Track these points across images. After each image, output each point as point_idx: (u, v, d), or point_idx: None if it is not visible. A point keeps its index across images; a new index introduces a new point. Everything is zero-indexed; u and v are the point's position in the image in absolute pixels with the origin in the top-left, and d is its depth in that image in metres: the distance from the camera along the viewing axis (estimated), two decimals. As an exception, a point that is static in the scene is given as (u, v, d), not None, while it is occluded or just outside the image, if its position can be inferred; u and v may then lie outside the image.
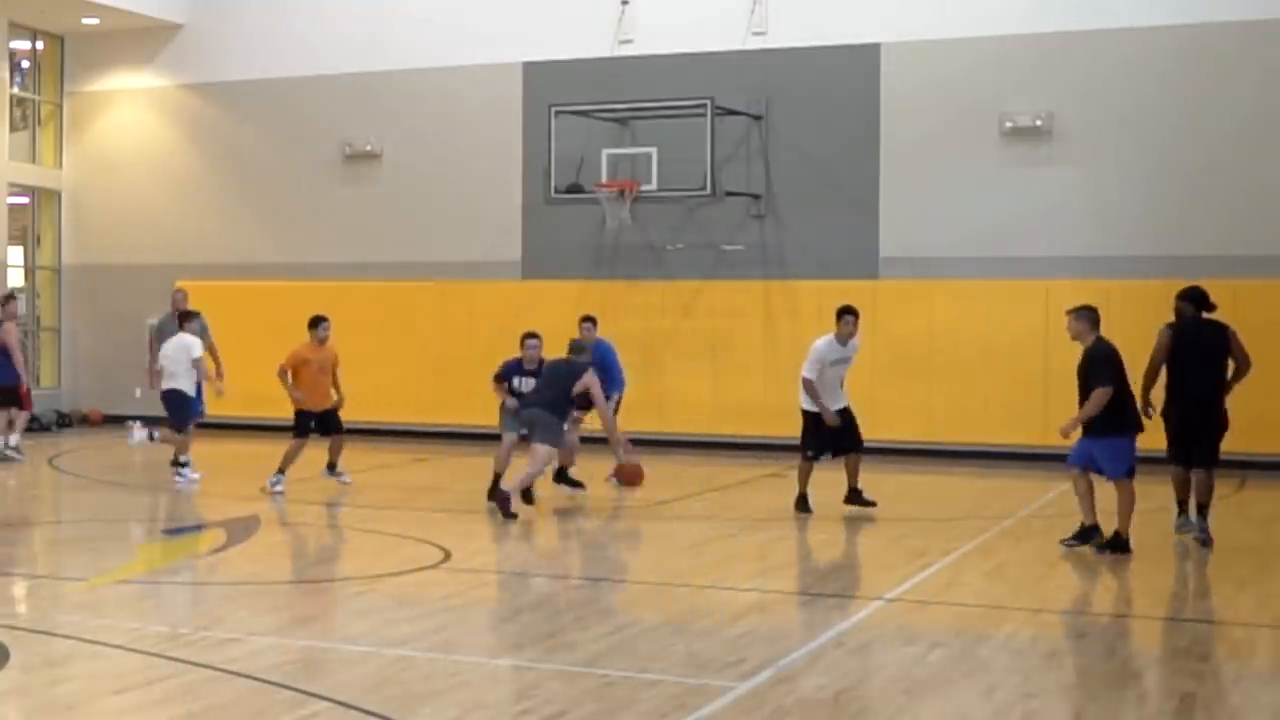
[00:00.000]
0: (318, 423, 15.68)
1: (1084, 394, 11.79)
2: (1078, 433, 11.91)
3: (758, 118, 20.08)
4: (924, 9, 19.57)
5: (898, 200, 19.57)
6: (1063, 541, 11.84)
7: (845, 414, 13.84)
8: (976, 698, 7.39)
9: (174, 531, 13.69)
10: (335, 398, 15.79)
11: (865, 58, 19.70)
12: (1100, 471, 11.74)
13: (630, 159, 19.71)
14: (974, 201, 19.29)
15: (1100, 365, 11.69)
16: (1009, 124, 19.06)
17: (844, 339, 13.81)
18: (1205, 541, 12.09)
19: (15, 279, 23.79)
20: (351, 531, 13.03)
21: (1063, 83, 18.91)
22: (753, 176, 20.17)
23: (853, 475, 13.89)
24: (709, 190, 19.17)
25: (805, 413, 13.76)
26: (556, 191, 19.86)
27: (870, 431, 19.05)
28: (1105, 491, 11.81)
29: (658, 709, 7.08)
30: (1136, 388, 12.10)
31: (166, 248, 23.39)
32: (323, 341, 15.67)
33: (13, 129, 23.50)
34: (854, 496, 13.86)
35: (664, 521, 13.87)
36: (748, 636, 8.95)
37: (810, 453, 13.76)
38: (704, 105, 18.91)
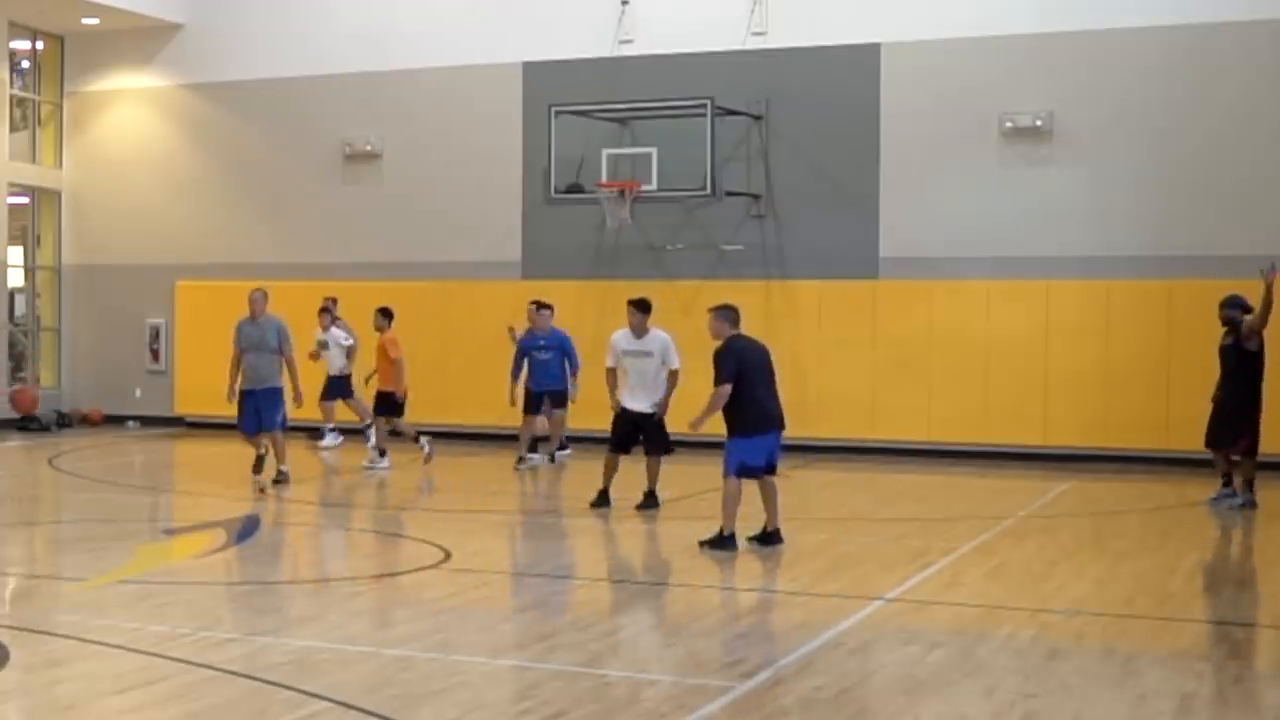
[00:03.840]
0: None
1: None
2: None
3: (758, 118, 20.07)
4: (924, 9, 19.57)
5: (898, 200, 19.57)
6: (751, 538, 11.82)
7: (643, 419, 13.75)
8: (976, 698, 7.39)
9: (174, 531, 13.69)
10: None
11: (865, 58, 19.69)
12: (768, 470, 11.70)
13: (630, 159, 19.70)
14: (974, 201, 19.29)
15: (723, 360, 11.53)
16: (1009, 124, 19.05)
17: (635, 331, 13.80)
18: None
19: (15, 279, 23.80)
20: (351, 531, 13.02)
21: (1063, 83, 18.91)
22: (753, 176, 20.17)
23: (650, 478, 13.91)
24: (709, 190, 19.17)
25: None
26: (556, 192, 19.86)
27: (870, 431, 19.21)
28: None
29: (658, 709, 7.08)
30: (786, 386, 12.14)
31: (166, 248, 23.39)
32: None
33: (13, 129, 23.50)
34: (646, 499, 13.87)
35: (664, 521, 13.86)
36: (748, 636, 8.95)
37: (610, 445, 13.86)
38: (704, 105, 18.91)
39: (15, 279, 23.76)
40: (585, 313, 20.82)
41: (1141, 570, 11.15)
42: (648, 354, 13.75)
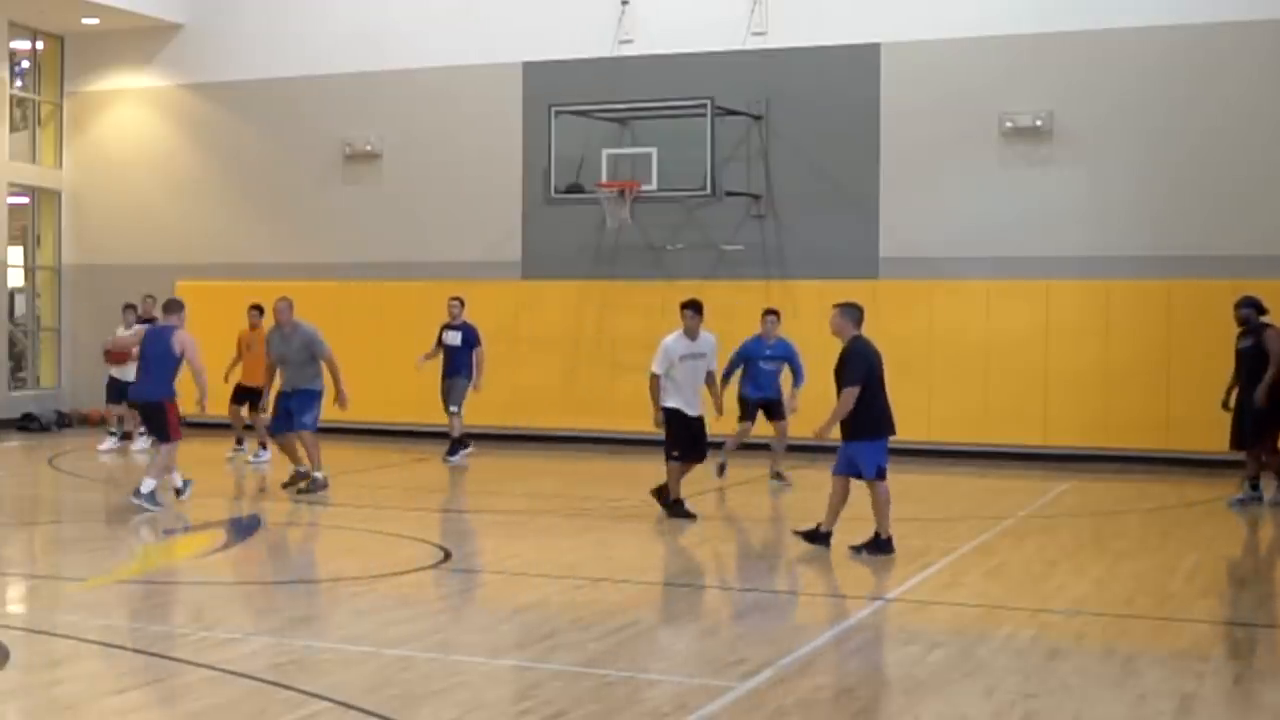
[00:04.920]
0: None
1: (839, 393, 11.47)
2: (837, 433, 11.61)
3: (758, 118, 20.08)
4: (924, 9, 19.57)
5: (898, 200, 19.57)
6: (798, 532, 11.81)
7: (697, 423, 13.41)
8: (976, 698, 7.39)
9: (174, 531, 13.68)
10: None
11: (865, 58, 19.69)
12: (859, 476, 11.55)
13: (630, 159, 19.70)
14: (974, 201, 19.29)
15: (851, 364, 11.40)
16: (1009, 124, 19.06)
17: (690, 334, 13.41)
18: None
19: (15, 279, 23.80)
20: (351, 531, 13.02)
21: (1063, 83, 18.92)
22: (753, 176, 20.17)
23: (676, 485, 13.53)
24: (709, 190, 19.17)
25: (667, 411, 13.36)
26: (556, 191, 19.86)
27: (870, 431, 19.18)
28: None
29: (658, 709, 7.07)
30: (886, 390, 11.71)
31: (166, 248, 23.39)
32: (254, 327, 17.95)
33: (13, 129, 23.50)
34: (674, 506, 13.48)
35: (664, 521, 13.86)
36: (748, 636, 8.95)
37: (676, 453, 13.36)
38: (704, 105, 18.91)
39: (15, 279, 23.76)
40: (585, 313, 20.85)
41: (1141, 570, 11.15)
42: (701, 355, 13.45)
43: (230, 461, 17.95)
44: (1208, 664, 8.26)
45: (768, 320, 16.08)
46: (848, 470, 11.58)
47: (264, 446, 17.71)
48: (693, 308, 13.48)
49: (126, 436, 19.47)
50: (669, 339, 13.44)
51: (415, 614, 9.45)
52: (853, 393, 11.30)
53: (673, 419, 13.32)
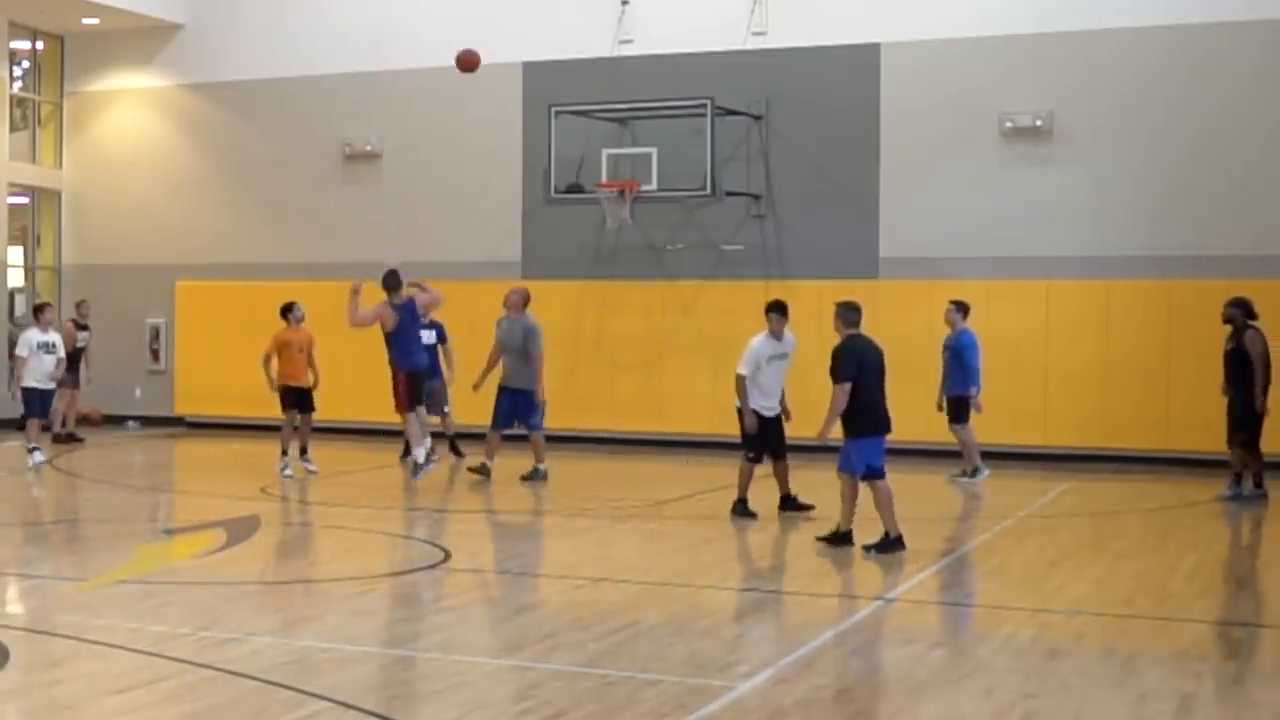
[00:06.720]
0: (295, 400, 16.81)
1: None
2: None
3: (758, 118, 20.08)
4: (924, 9, 19.58)
5: (898, 200, 19.58)
6: (818, 538, 11.80)
7: (774, 423, 13.44)
8: (976, 698, 7.39)
9: (174, 531, 13.69)
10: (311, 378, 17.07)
11: (865, 58, 19.70)
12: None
13: (630, 159, 19.71)
14: (974, 201, 19.30)
15: (839, 361, 11.45)
16: (1009, 124, 19.07)
17: (776, 335, 13.41)
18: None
19: (15, 279, 23.80)
20: (351, 531, 13.02)
21: (1063, 83, 18.93)
22: (753, 176, 20.17)
23: (781, 483, 13.59)
24: (709, 190, 19.18)
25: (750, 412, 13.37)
26: (556, 191, 19.87)
27: (870, 431, 19.19)
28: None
29: (658, 709, 7.07)
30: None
31: (166, 248, 23.40)
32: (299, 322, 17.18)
33: (13, 129, 23.51)
34: (786, 503, 13.57)
35: (664, 521, 13.86)
36: (748, 636, 8.96)
37: (752, 454, 13.37)
38: (704, 105, 18.92)
39: (15, 279, 23.76)
40: (585, 313, 20.85)
41: (1141, 570, 11.15)
42: (785, 356, 13.48)
43: (285, 473, 16.54)
44: (1207, 664, 8.26)
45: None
46: (845, 466, 11.59)
47: (301, 452, 17.06)
48: (778, 309, 13.48)
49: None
50: (757, 340, 13.40)
51: (415, 614, 9.45)
52: (842, 389, 11.35)
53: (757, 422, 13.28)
